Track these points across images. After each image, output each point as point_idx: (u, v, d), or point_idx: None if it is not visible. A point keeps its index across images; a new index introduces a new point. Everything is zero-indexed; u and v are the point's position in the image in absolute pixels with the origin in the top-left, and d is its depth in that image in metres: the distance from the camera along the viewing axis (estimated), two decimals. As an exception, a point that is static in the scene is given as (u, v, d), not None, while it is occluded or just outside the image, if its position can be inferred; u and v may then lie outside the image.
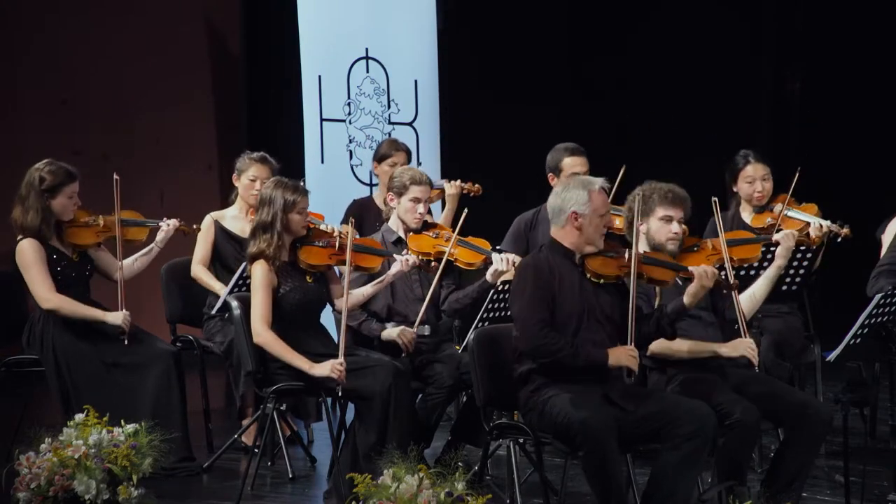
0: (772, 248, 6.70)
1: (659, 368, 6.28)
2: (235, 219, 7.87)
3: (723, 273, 6.18)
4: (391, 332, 6.97)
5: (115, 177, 7.25)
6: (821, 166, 7.84)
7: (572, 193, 5.98)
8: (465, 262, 7.17)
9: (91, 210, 7.37)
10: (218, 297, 7.66)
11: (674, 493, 5.81)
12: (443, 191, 8.13)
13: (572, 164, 7.74)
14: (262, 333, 6.59)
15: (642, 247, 6.32)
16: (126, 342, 7.20)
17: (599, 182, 6.07)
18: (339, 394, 6.52)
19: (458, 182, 8.08)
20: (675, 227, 6.34)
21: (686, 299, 6.02)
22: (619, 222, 6.77)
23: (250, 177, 7.81)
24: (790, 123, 12.26)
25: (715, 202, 6.56)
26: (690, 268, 6.03)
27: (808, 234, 7.12)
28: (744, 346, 6.18)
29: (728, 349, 6.21)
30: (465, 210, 7.33)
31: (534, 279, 5.93)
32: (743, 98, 12.13)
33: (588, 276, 5.99)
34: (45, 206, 7.17)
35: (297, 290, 6.68)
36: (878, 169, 11.64)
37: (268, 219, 6.67)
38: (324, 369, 6.49)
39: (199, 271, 7.80)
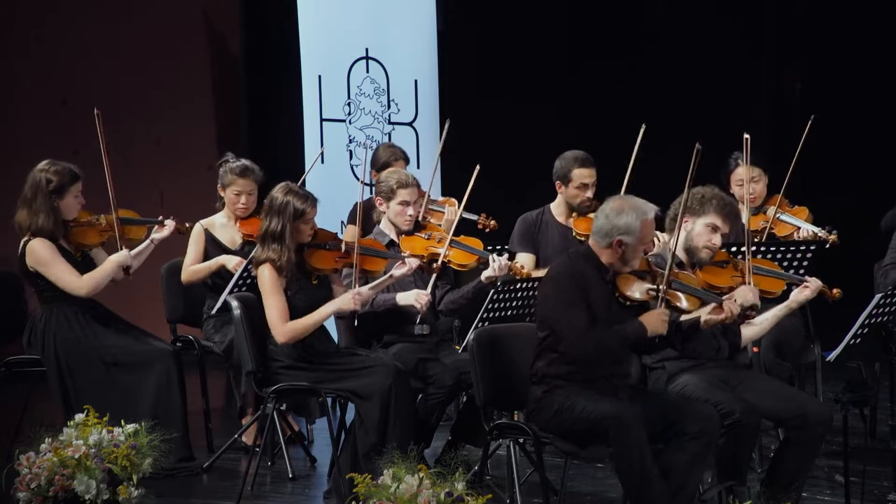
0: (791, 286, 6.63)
1: (660, 367, 6.29)
2: (225, 227, 7.85)
3: (746, 311, 6.12)
4: (407, 295, 6.96)
5: (96, 111, 7.21)
6: (821, 166, 7.83)
7: (623, 222, 5.90)
8: (458, 263, 7.16)
9: (91, 210, 7.37)
10: (216, 296, 7.67)
11: (679, 492, 5.81)
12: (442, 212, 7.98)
13: (581, 175, 7.65)
14: (285, 331, 6.57)
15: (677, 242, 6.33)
16: (130, 278, 7.27)
17: (653, 211, 5.98)
18: (356, 322, 6.57)
19: (459, 209, 7.73)
20: (717, 240, 6.32)
21: (703, 325, 6.05)
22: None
23: (234, 191, 7.78)
24: (790, 123, 12.26)
25: (746, 229, 6.54)
26: (725, 300, 6.00)
27: (831, 288, 6.98)
28: (746, 291, 6.18)
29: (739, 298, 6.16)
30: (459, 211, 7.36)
31: (571, 288, 5.89)
32: (743, 98, 12.14)
33: (616, 295, 5.98)
34: (53, 207, 7.16)
35: (302, 292, 6.66)
36: (878, 168, 11.65)
37: (277, 228, 6.62)
38: (346, 302, 6.58)
39: (192, 268, 7.78)
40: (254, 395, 7.57)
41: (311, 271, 6.73)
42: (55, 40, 9.53)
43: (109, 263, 7.24)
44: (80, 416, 6.33)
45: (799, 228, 7.47)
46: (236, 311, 6.73)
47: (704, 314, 6.05)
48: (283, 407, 7.11)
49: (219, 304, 7.61)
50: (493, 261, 7.05)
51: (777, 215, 7.54)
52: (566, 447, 5.93)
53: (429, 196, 7.90)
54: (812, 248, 7.09)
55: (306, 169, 9.56)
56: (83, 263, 7.30)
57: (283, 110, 10.34)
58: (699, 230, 6.33)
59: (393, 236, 7.21)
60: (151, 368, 7.21)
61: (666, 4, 12.34)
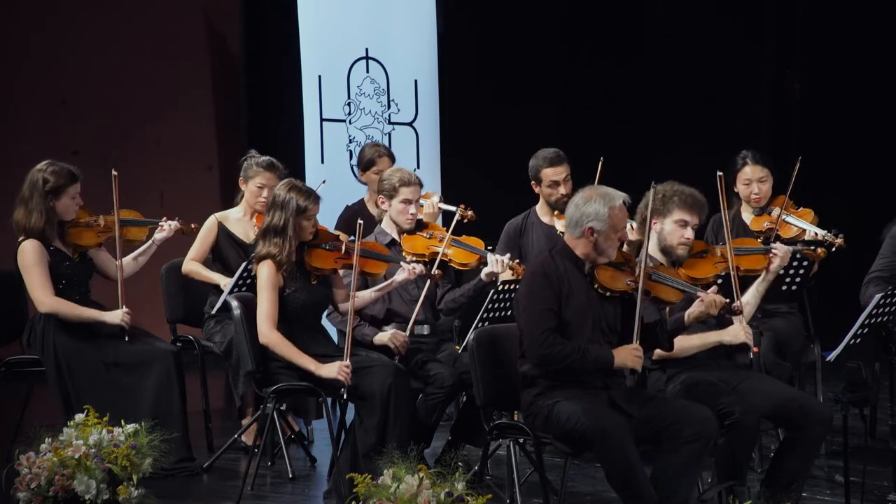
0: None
1: (659, 368, 6.29)
2: (239, 221, 7.84)
3: (732, 304, 6.13)
4: (382, 336, 6.97)
5: (114, 172, 7.24)
6: (822, 166, 7.82)
7: (592, 209, 5.94)
8: (459, 262, 7.18)
9: (91, 210, 7.38)
10: (218, 294, 7.66)
11: (673, 493, 5.81)
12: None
13: (549, 174, 7.73)
14: (268, 334, 6.57)
15: (652, 245, 6.32)
16: (127, 338, 7.19)
17: (621, 198, 6.01)
18: (345, 396, 6.50)
19: (436, 201, 7.89)
20: (689, 233, 6.33)
21: (687, 319, 6.04)
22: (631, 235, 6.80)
23: (258, 184, 7.75)
24: (790, 123, 12.26)
25: (724, 209, 6.55)
26: (700, 293, 6.01)
27: (813, 248, 7.08)
28: (738, 330, 6.19)
29: (730, 336, 6.22)
30: (458, 210, 7.35)
31: (540, 288, 5.91)
32: (743, 98, 12.13)
33: (595, 287, 5.98)
34: (48, 207, 7.16)
35: (301, 291, 6.67)
36: (879, 169, 11.64)
37: (279, 223, 6.63)
38: (331, 371, 6.49)
39: (193, 265, 7.77)
40: (253, 395, 7.57)
41: (311, 271, 6.73)
42: (55, 40, 9.53)
43: (92, 313, 7.21)
44: (80, 416, 6.34)
45: (805, 231, 7.47)
46: (236, 311, 6.73)
47: (688, 317, 6.06)
48: (283, 407, 7.11)
49: (219, 304, 7.61)
50: (492, 258, 7.07)
51: (782, 217, 7.54)
52: (563, 448, 5.93)
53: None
54: (809, 259, 7.10)
55: (306, 168, 9.58)
56: (81, 264, 7.31)
57: (283, 110, 10.34)
58: (669, 229, 6.34)
59: (394, 235, 7.22)
60: (151, 368, 7.21)
61: (666, 5, 12.32)
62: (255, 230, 7.71)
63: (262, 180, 7.74)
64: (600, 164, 7.63)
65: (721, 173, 6.39)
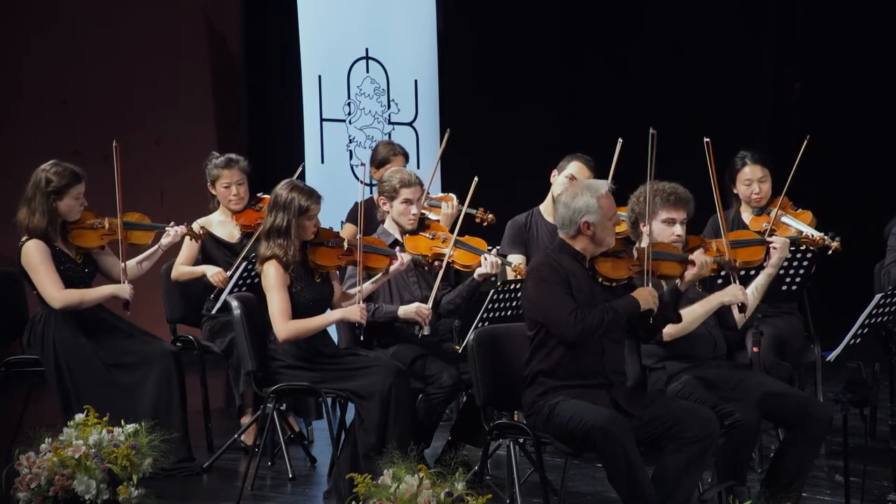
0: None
1: (660, 368, 6.29)
2: (223, 224, 7.94)
3: (726, 258, 6.18)
4: (408, 308, 6.98)
5: (115, 143, 7.23)
6: (821, 167, 7.81)
7: (581, 203, 5.95)
8: (462, 263, 7.18)
9: (93, 210, 7.36)
10: (215, 301, 7.68)
11: (675, 493, 5.82)
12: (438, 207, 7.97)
13: (573, 168, 7.76)
14: (286, 328, 6.59)
15: (645, 245, 6.33)
16: (129, 312, 7.23)
17: (606, 186, 6.05)
18: (361, 337, 6.62)
19: (456, 203, 7.94)
20: (678, 230, 6.33)
21: (681, 285, 6.04)
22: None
23: (223, 184, 7.92)
24: (790, 123, 12.26)
25: (717, 196, 6.54)
26: (692, 256, 6.04)
27: (809, 237, 7.13)
28: (735, 289, 6.16)
29: (728, 296, 6.18)
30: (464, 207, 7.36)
31: (552, 277, 5.92)
32: (743, 98, 12.13)
33: (599, 280, 5.99)
34: (51, 207, 7.16)
35: (307, 289, 6.69)
36: (879, 169, 11.65)
37: (282, 224, 6.65)
38: (353, 312, 6.63)
39: (181, 269, 7.87)
40: (253, 395, 7.58)
41: (315, 268, 6.75)
42: (55, 40, 9.52)
43: (102, 291, 7.24)
44: (80, 416, 6.34)
45: (802, 233, 7.47)
46: (236, 311, 6.73)
47: (681, 283, 6.07)
48: (283, 407, 7.11)
49: (219, 304, 7.62)
50: (486, 259, 7.07)
51: (779, 217, 7.54)
52: (564, 448, 5.93)
53: (427, 193, 7.91)
54: (809, 254, 7.10)
55: (306, 169, 9.57)
56: (83, 266, 7.30)
57: (283, 110, 10.34)
58: (658, 229, 6.35)
59: (397, 236, 7.23)
60: (151, 368, 7.21)
61: (665, 5, 12.32)
62: (237, 229, 7.85)
63: (226, 179, 7.91)
64: (618, 146, 7.64)
65: (708, 140, 6.33)
